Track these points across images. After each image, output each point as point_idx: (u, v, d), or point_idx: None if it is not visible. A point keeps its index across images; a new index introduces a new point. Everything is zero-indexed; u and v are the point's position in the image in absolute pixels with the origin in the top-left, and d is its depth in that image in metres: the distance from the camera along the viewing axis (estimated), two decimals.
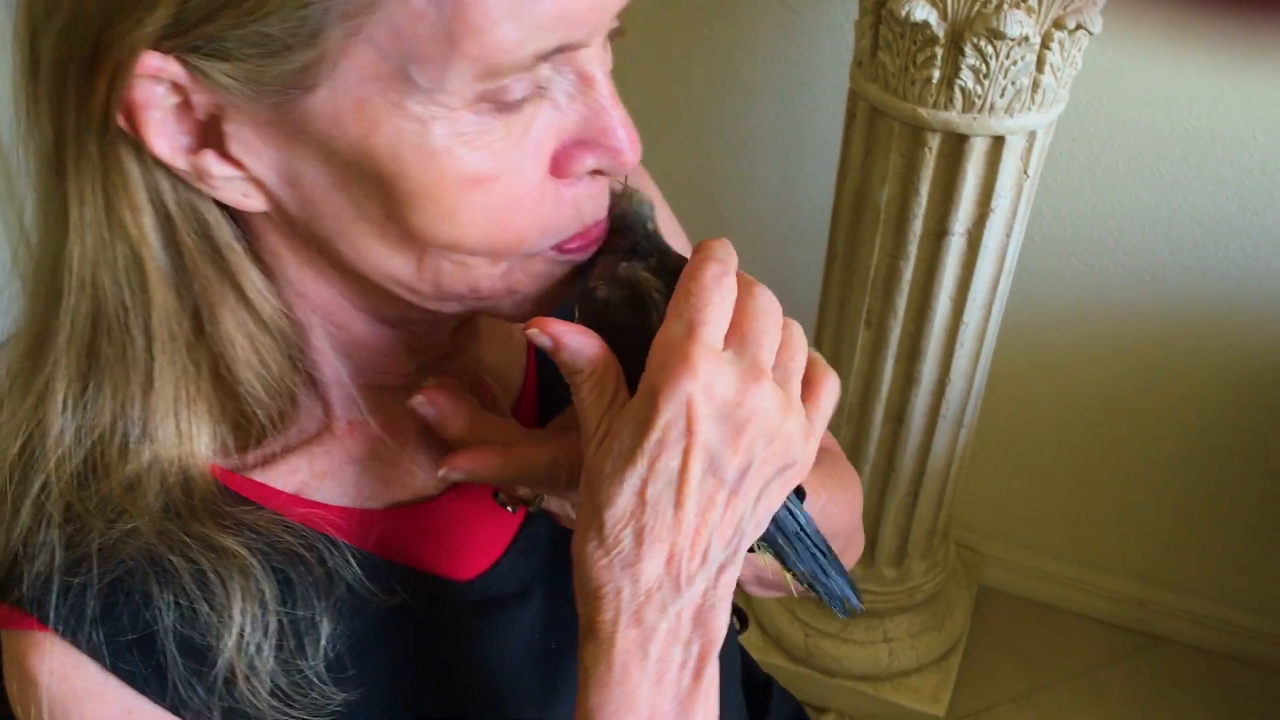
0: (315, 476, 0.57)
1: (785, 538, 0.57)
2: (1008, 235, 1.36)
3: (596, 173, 0.52)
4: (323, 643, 0.54)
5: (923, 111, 1.24)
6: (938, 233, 1.34)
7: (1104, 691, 1.95)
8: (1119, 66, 1.50)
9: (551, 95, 0.48)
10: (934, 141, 1.27)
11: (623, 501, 0.49)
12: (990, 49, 1.17)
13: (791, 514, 0.57)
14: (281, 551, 0.54)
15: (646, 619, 0.50)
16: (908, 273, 1.39)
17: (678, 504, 0.49)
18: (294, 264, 0.53)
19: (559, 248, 0.53)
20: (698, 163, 1.81)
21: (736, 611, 0.85)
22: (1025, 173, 1.30)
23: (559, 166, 0.50)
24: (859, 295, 1.45)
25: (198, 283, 0.51)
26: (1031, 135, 1.27)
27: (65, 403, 0.51)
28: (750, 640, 1.87)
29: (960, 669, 1.89)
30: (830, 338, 1.55)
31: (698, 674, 0.52)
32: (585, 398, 0.51)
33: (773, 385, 0.50)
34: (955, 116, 1.23)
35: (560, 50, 0.46)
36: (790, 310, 0.53)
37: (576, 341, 0.51)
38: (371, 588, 0.56)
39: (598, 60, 0.49)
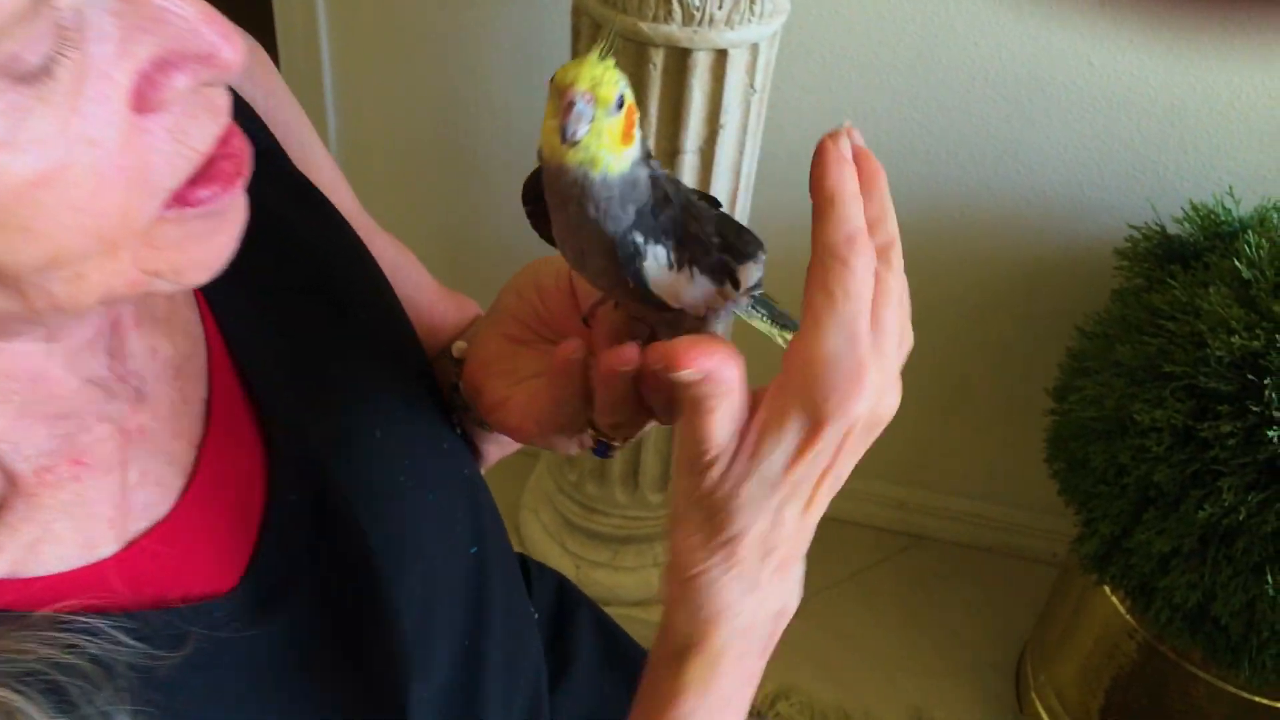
0: (28, 549, 0.45)
1: (767, 308, 0.59)
2: (740, 151, 1.34)
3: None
4: None
5: (644, 26, 1.20)
6: (670, 151, 1.31)
7: (873, 592, 2.02)
8: None
9: (94, 24, 0.36)
10: (658, 57, 1.23)
11: (761, 525, 0.47)
12: None
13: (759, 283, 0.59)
14: (36, 663, 0.42)
15: (756, 629, 0.50)
16: None
17: (806, 512, 0.48)
18: None
19: (182, 202, 0.41)
20: (438, 89, 1.73)
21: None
22: (751, 87, 1.28)
23: (143, 101, 0.38)
24: None
25: None
26: (754, 48, 1.24)
27: None
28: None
29: None
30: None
31: (764, 655, 0.52)
32: (718, 419, 0.46)
33: (898, 381, 0.47)
34: (676, 30, 1.20)
35: None
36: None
37: (722, 364, 0.46)
38: (151, 651, 0.46)
39: None
